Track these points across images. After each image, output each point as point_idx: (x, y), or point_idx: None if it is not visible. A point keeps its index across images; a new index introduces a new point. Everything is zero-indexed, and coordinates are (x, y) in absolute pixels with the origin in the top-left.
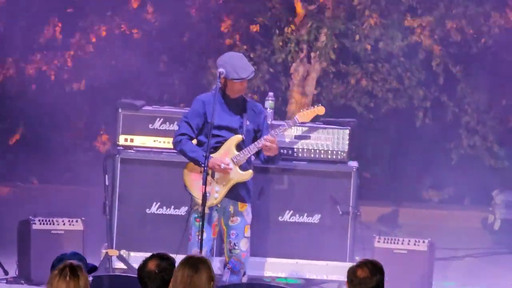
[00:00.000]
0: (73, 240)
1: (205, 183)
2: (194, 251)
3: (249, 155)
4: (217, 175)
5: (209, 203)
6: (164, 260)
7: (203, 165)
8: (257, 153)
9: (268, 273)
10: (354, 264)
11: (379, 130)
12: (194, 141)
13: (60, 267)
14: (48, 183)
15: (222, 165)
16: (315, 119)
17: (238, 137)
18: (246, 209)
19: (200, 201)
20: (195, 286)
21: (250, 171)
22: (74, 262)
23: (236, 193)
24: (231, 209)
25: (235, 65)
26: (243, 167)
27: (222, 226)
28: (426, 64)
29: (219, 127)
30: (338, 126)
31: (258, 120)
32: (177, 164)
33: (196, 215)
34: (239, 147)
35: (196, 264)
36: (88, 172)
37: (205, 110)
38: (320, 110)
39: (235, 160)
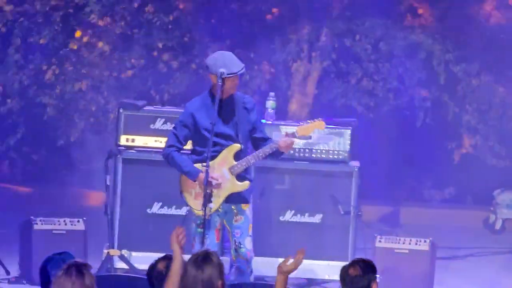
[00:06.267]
0: (74, 240)
1: (206, 192)
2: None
3: (247, 166)
4: None
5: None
6: None
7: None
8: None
9: (269, 272)
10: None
11: (380, 130)
12: (189, 146)
13: (65, 267)
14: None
15: (214, 182)
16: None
17: (237, 146)
18: (248, 207)
19: (195, 211)
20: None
21: (247, 182)
22: (79, 260)
23: (235, 196)
24: (234, 208)
25: (225, 61)
26: (240, 177)
27: (226, 226)
28: (427, 63)
29: (214, 135)
30: (339, 126)
31: (252, 117)
32: None
33: (199, 222)
34: (238, 156)
35: (201, 263)
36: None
37: (193, 120)
38: (320, 124)
39: (232, 170)
